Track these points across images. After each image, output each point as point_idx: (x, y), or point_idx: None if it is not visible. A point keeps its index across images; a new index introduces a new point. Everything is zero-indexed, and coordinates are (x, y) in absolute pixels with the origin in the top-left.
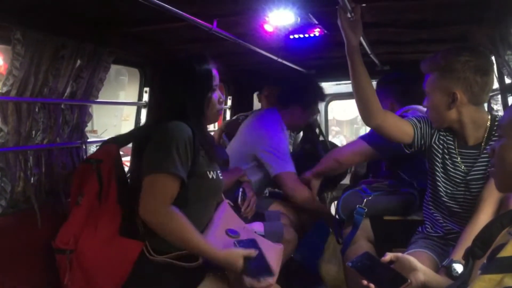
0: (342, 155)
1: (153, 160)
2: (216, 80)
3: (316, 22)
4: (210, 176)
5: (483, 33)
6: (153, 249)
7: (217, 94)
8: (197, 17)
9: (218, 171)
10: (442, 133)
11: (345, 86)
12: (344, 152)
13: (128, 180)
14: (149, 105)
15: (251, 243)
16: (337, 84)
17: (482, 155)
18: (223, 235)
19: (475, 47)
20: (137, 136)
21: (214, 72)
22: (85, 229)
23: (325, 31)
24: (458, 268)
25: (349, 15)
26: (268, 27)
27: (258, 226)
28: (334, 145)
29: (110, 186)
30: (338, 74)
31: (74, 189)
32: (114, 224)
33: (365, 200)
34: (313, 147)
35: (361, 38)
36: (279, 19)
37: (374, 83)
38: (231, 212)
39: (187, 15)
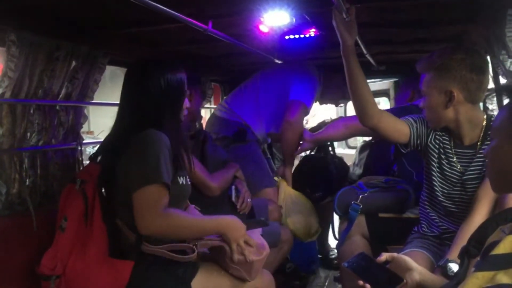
0: (351, 121)
1: (141, 173)
2: (186, 86)
3: (311, 23)
4: (180, 182)
5: (478, 33)
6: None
7: (186, 100)
8: (192, 18)
9: (187, 176)
10: (438, 133)
11: None
12: (354, 119)
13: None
14: (119, 114)
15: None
16: None
17: (478, 155)
18: None
19: (470, 46)
20: (111, 149)
21: (185, 77)
22: (72, 253)
23: (321, 32)
24: (454, 267)
25: (344, 16)
26: (264, 28)
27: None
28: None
29: (94, 206)
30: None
31: (59, 212)
32: (103, 245)
33: (360, 196)
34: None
35: (357, 38)
36: (274, 20)
37: (369, 82)
38: (199, 214)
39: (183, 16)
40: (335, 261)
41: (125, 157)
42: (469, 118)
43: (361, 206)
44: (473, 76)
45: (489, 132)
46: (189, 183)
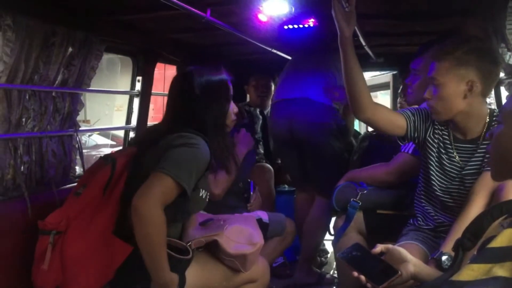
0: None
1: (171, 163)
2: (231, 91)
3: (310, 12)
4: (200, 194)
5: (476, 25)
6: None
7: (232, 105)
8: (190, 5)
9: (208, 192)
10: (437, 127)
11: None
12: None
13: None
14: (165, 113)
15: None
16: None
17: (479, 150)
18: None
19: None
20: (150, 140)
21: (227, 82)
22: (80, 217)
23: (319, 22)
24: (448, 260)
25: (343, 6)
26: (262, 17)
27: (262, 214)
28: None
29: (118, 181)
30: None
31: (80, 181)
32: (111, 220)
33: (359, 193)
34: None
35: (356, 30)
36: (273, 9)
37: (367, 74)
38: (205, 215)
39: (181, 3)
40: (323, 258)
41: (171, 150)
42: (477, 112)
43: (360, 204)
44: (492, 69)
45: (491, 128)
46: (207, 199)
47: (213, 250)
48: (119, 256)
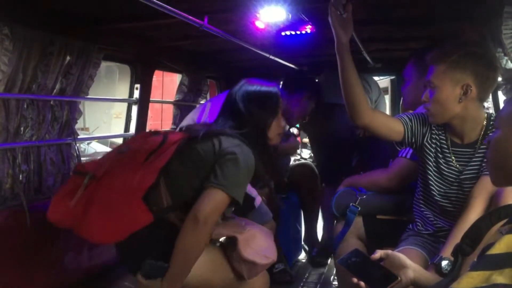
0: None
1: (229, 178)
2: (280, 105)
3: (307, 19)
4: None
5: (473, 30)
6: None
7: (280, 120)
8: (188, 13)
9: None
10: (435, 132)
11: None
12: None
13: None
14: (226, 110)
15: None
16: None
17: (477, 154)
18: None
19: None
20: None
21: (274, 96)
22: (116, 171)
23: (317, 28)
24: (448, 265)
25: (340, 12)
26: (260, 24)
27: (257, 199)
28: None
29: (164, 154)
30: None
31: (123, 145)
32: (143, 185)
33: (359, 198)
34: None
35: (354, 36)
36: (270, 16)
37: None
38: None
39: (178, 11)
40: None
41: (223, 161)
42: (473, 116)
43: (359, 209)
44: (490, 74)
45: (489, 132)
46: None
47: (226, 247)
48: (139, 222)
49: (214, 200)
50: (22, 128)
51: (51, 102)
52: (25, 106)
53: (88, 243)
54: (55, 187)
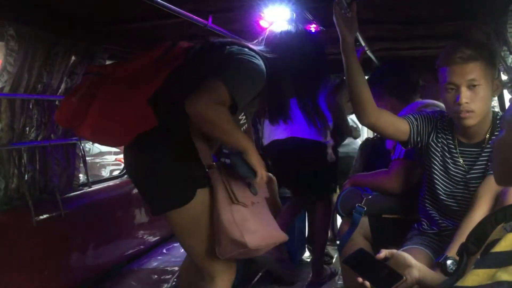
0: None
1: (231, 74)
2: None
3: (312, 18)
4: (240, 118)
5: (479, 29)
6: None
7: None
8: (192, 13)
9: (246, 126)
10: (440, 131)
11: None
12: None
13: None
14: None
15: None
16: None
17: (484, 154)
18: None
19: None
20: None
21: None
22: (125, 73)
23: (321, 27)
24: (453, 264)
25: (344, 11)
26: (264, 23)
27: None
28: None
29: (174, 60)
30: (334, 70)
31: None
32: (150, 88)
33: (364, 199)
34: None
35: (358, 35)
36: (275, 15)
37: None
38: None
39: (183, 11)
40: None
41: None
42: (488, 114)
43: (365, 209)
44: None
45: (496, 132)
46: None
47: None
48: (143, 125)
49: (206, 90)
50: (27, 128)
51: (56, 102)
52: (31, 106)
53: (94, 243)
54: (60, 187)
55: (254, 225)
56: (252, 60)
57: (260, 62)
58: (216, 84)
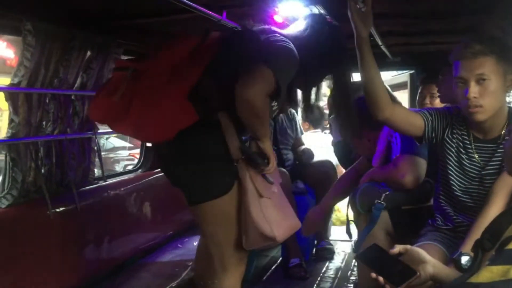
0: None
1: (276, 63)
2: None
3: (326, 13)
4: (272, 105)
5: (493, 23)
6: None
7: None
8: (206, 8)
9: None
10: (455, 127)
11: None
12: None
13: None
14: None
15: None
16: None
17: (499, 150)
18: None
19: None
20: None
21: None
22: (160, 68)
23: (335, 22)
24: (468, 260)
25: (359, 6)
26: (278, 18)
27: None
28: None
29: (208, 51)
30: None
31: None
32: (188, 83)
33: (383, 195)
34: None
35: (372, 30)
36: (289, 10)
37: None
38: None
39: (197, 6)
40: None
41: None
42: (503, 109)
43: (385, 205)
44: None
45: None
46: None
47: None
48: (184, 121)
49: (263, 80)
50: (44, 122)
51: (72, 97)
52: (47, 100)
53: (108, 236)
54: (76, 181)
55: (279, 215)
56: (288, 46)
57: (293, 47)
58: (267, 71)
